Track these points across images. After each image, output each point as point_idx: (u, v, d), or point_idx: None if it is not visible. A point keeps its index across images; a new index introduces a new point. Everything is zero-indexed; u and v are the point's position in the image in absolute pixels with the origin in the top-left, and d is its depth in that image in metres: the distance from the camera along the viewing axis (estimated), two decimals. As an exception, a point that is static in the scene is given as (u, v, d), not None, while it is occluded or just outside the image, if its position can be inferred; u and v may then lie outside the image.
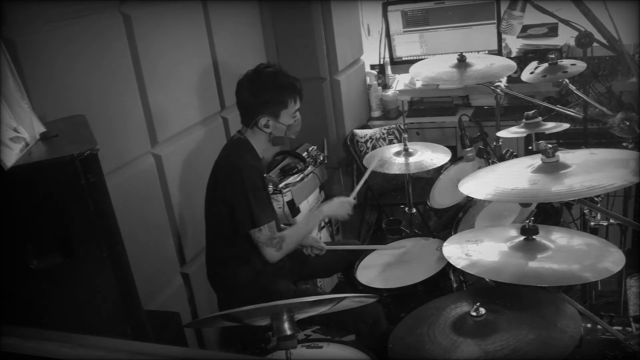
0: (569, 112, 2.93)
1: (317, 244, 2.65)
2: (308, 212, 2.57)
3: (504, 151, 2.94)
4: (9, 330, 0.99)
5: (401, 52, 4.07)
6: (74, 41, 2.16)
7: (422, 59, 3.33)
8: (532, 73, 2.77)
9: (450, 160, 2.79)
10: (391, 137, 3.94)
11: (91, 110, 2.07)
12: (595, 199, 2.23)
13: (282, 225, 2.67)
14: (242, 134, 2.42)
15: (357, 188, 2.74)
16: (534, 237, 1.78)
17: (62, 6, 2.12)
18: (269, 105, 2.35)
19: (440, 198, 3.06)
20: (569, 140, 3.16)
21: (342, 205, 2.57)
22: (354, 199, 2.65)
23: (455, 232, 2.64)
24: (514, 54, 3.81)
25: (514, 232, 1.85)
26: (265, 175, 2.46)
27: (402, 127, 3.62)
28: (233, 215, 2.32)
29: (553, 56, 2.74)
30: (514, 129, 2.62)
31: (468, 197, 2.26)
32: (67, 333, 0.98)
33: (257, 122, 2.36)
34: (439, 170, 3.05)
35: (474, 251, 1.82)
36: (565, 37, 3.69)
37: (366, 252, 2.68)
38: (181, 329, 2.40)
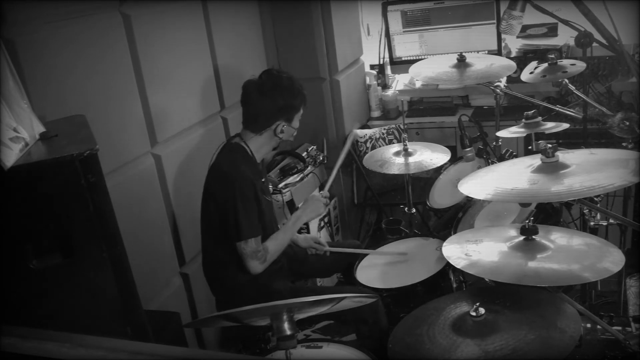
0: (569, 112, 2.93)
1: (318, 245, 2.65)
2: (288, 221, 2.56)
3: (504, 151, 2.94)
4: (9, 330, 0.99)
5: (401, 52, 4.07)
6: (74, 41, 2.16)
7: (421, 59, 3.33)
8: (531, 73, 2.77)
9: (450, 160, 2.79)
10: (391, 137, 3.94)
11: (91, 110, 2.07)
12: (595, 199, 2.23)
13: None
14: (243, 139, 2.40)
15: (330, 180, 2.72)
16: (533, 237, 1.78)
17: (62, 6, 2.12)
18: (287, 111, 2.35)
19: (440, 198, 3.06)
20: (569, 140, 3.16)
21: (315, 204, 2.55)
22: (327, 192, 2.64)
23: (455, 232, 2.64)
24: (513, 54, 3.82)
25: (513, 232, 1.85)
26: (263, 180, 2.45)
27: (402, 127, 3.62)
28: (223, 224, 2.32)
29: (553, 56, 2.74)
30: (514, 129, 2.62)
31: (468, 197, 2.26)
32: (67, 333, 0.98)
33: (274, 128, 2.35)
34: (439, 170, 3.05)
35: (474, 251, 1.82)
36: (565, 37, 3.69)
37: (357, 255, 2.68)
38: (181, 329, 2.40)
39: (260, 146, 2.41)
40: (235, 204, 2.26)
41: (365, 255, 2.68)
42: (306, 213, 2.53)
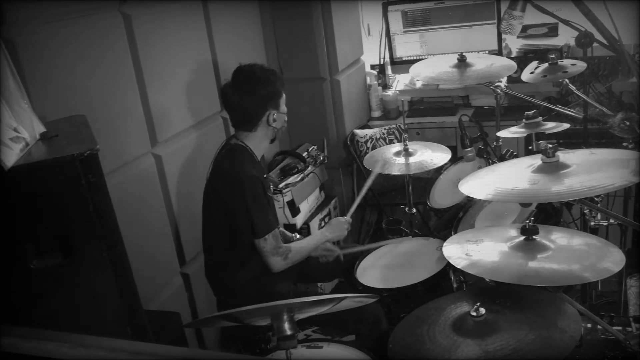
0: (569, 112, 2.93)
1: (329, 252, 2.62)
2: (316, 232, 2.61)
3: (504, 151, 2.94)
4: (9, 330, 0.99)
5: (401, 52, 4.07)
6: (74, 41, 2.16)
7: (422, 59, 3.33)
8: (532, 73, 2.77)
9: (450, 160, 2.79)
10: (391, 137, 3.94)
11: (91, 110, 2.07)
12: (595, 199, 2.23)
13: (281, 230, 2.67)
14: (240, 139, 2.41)
15: (355, 206, 2.75)
16: (534, 237, 1.78)
17: (62, 6, 2.12)
18: (272, 98, 2.36)
19: (440, 198, 3.06)
20: (569, 140, 3.15)
21: (340, 227, 2.60)
22: (351, 217, 2.68)
23: (455, 232, 2.64)
24: (514, 54, 3.81)
25: (514, 232, 1.85)
26: (265, 176, 2.45)
27: (402, 127, 3.62)
28: (235, 225, 2.32)
29: (553, 56, 2.74)
30: (514, 129, 2.62)
31: (468, 197, 2.25)
32: (67, 333, 0.98)
33: (266, 119, 2.36)
34: (439, 170, 3.05)
35: (474, 251, 1.82)
36: (565, 37, 3.69)
37: (366, 252, 2.68)
38: (181, 329, 2.40)
39: (258, 142, 2.41)
40: (247, 204, 2.27)
41: (365, 252, 2.68)
42: (331, 231, 2.59)
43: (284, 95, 2.42)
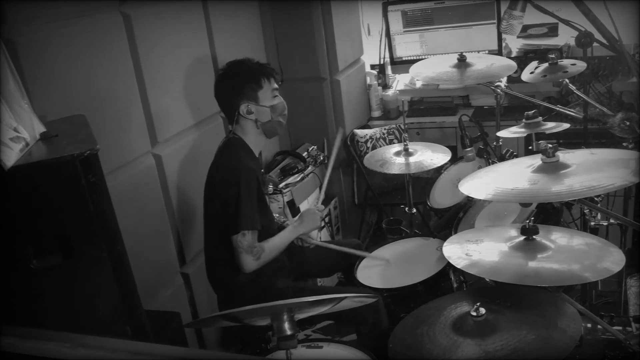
0: (569, 112, 2.93)
1: (306, 237, 2.59)
2: (287, 228, 2.53)
3: (504, 151, 2.94)
4: (9, 330, 0.99)
5: (401, 52, 4.07)
6: (74, 41, 2.16)
7: (422, 59, 3.33)
8: (532, 73, 2.77)
9: (450, 160, 2.79)
10: (391, 137, 3.94)
11: (91, 110, 2.07)
12: (595, 198, 2.23)
13: (282, 219, 2.67)
14: (236, 133, 2.42)
15: (322, 194, 2.72)
16: (534, 237, 1.78)
17: (62, 6, 2.12)
18: (243, 90, 2.34)
19: (440, 198, 3.06)
20: (569, 140, 3.15)
21: (312, 218, 2.52)
22: (322, 204, 2.65)
23: (456, 232, 2.64)
24: (514, 54, 3.81)
25: (514, 232, 1.85)
26: (262, 171, 2.44)
27: (402, 127, 3.62)
28: (225, 216, 2.31)
29: (553, 56, 2.74)
30: (514, 128, 2.62)
31: (468, 197, 2.25)
32: (67, 333, 0.98)
33: (239, 111, 2.35)
34: (439, 170, 3.05)
35: (474, 251, 1.82)
36: (565, 37, 3.69)
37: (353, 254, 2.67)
38: (181, 329, 2.40)
39: (252, 136, 2.40)
40: (239, 194, 2.24)
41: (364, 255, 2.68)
42: (303, 226, 2.49)
43: (265, 88, 2.36)
